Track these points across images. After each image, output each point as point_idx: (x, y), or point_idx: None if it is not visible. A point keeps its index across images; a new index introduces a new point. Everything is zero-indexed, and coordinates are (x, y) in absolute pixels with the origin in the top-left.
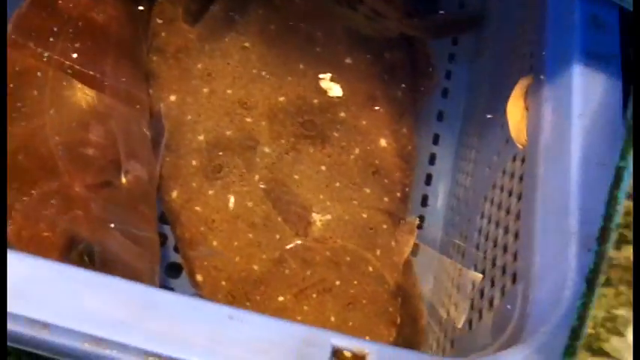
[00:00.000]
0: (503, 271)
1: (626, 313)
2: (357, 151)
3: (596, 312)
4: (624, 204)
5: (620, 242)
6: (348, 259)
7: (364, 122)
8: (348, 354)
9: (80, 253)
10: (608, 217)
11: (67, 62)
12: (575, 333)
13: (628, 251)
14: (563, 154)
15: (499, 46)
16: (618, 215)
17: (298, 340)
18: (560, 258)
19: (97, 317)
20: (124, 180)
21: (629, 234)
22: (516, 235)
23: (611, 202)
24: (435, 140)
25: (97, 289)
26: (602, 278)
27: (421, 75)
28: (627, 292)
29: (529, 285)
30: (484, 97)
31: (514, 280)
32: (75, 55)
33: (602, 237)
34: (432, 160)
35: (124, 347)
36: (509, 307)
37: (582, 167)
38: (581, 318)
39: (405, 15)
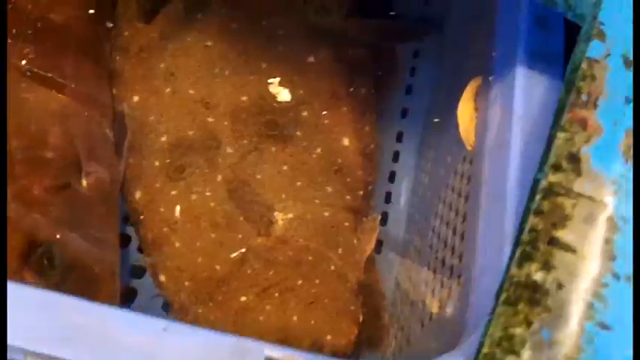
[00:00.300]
0: (451, 273)
1: (522, 332)
2: (319, 150)
3: (493, 330)
4: (530, 220)
5: (523, 259)
6: (310, 258)
7: (327, 121)
8: None
9: (40, 256)
10: (520, 231)
11: (26, 64)
12: (477, 353)
13: (529, 269)
14: (504, 156)
15: (458, 46)
16: (525, 231)
17: (232, 352)
18: (497, 261)
19: (30, 332)
20: (84, 182)
21: (533, 251)
22: (462, 237)
23: (524, 216)
24: (399, 137)
25: (31, 305)
26: (502, 296)
27: (385, 72)
28: (525, 311)
29: (469, 288)
30: (443, 95)
31: (458, 282)
32: (33, 57)
33: (512, 253)
34: (395, 157)
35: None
36: (447, 310)
37: (521, 170)
38: (484, 337)
39: (349, 14)
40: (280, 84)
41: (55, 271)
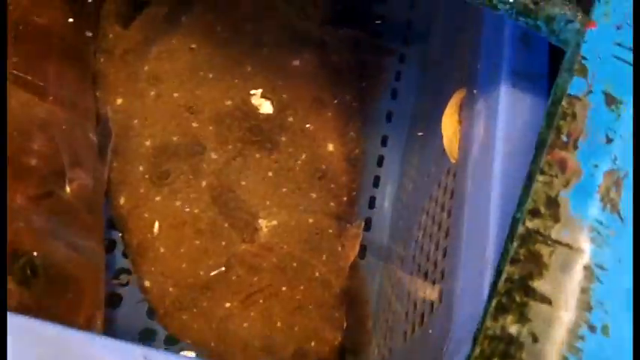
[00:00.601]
0: (433, 288)
1: None
2: (303, 156)
3: None
4: (506, 269)
5: (498, 310)
6: (295, 264)
7: (311, 126)
8: None
9: (23, 266)
10: (496, 280)
11: (7, 68)
12: None
13: (504, 321)
14: (487, 175)
15: (443, 55)
16: (501, 281)
17: None
18: (478, 285)
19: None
20: (67, 189)
21: (509, 302)
22: (444, 254)
23: (501, 263)
24: (384, 142)
25: (11, 330)
26: (477, 350)
27: (370, 77)
28: None
29: (451, 309)
30: (428, 103)
31: (440, 300)
32: (15, 60)
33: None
34: (380, 161)
35: None
36: (429, 328)
37: (502, 189)
38: None
39: (325, 22)
40: (262, 95)
41: (39, 280)
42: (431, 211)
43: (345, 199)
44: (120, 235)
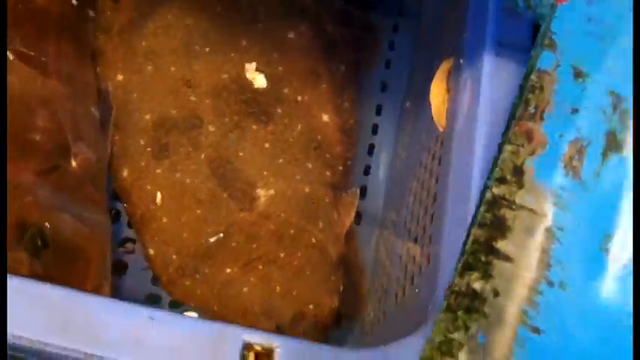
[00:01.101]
0: (422, 251)
1: (460, 336)
2: (299, 127)
3: (434, 336)
4: (474, 231)
5: (464, 268)
6: (292, 231)
7: (307, 98)
8: (258, 348)
9: (32, 238)
10: (465, 242)
11: (9, 47)
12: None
13: (469, 278)
14: (470, 142)
15: (433, 26)
16: (469, 242)
17: (212, 337)
18: (460, 248)
19: (19, 320)
20: (73, 163)
21: (475, 262)
22: (432, 218)
23: (470, 227)
24: (378, 111)
25: (22, 295)
26: (444, 304)
27: (364, 47)
28: (463, 317)
29: (437, 272)
30: (420, 73)
31: (428, 262)
32: (17, 40)
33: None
34: (374, 130)
35: (45, 345)
36: (417, 290)
37: (485, 157)
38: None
39: None
40: (257, 69)
41: (48, 251)
42: (421, 177)
43: (340, 168)
44: (123, 206)
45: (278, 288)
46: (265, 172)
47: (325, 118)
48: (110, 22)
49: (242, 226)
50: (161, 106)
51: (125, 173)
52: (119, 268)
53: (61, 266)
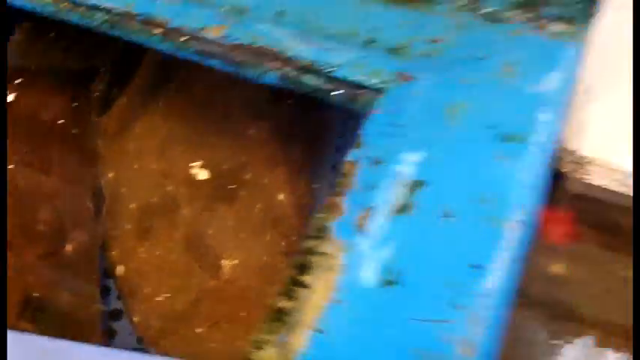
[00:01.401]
0: None
1: (269, 337)
2: (259, 205)
3: (255, 338)
4: (290, 272)
5: (279, 295)
6: (252, 295)
7: (266, 181)
8: None
9: (34, 310)
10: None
11: (16, 156)
12: None
13: (280, 300)
14: None
15: None
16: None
17: None
18: None
19: None
20: (69, 247)
21: (286, 290)
22: None
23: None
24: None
25: (26, 350)
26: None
27: (316, 139)
28: (273, 325)
29: None
30: None
31: None
32: (25, 150)
33: None
34: None
35: None
36: None
37: None
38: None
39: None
40: (202, 166)
41: (48, 319)
42: None
43: (294, 238)
44: (113, 281)
45: (239, 342)
46: (230, 245)
47: (281, 197)
48: (105, 126)
49: (211, 292)
50: (144, 196)
51: (114, 253)
52: (109, 334)
53: (55, 332)
